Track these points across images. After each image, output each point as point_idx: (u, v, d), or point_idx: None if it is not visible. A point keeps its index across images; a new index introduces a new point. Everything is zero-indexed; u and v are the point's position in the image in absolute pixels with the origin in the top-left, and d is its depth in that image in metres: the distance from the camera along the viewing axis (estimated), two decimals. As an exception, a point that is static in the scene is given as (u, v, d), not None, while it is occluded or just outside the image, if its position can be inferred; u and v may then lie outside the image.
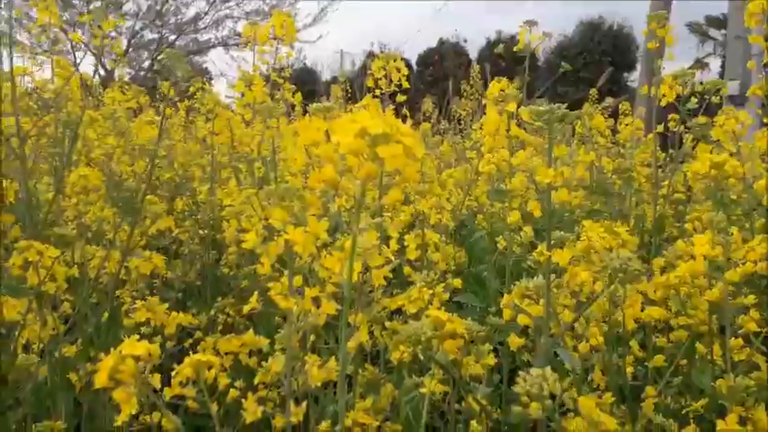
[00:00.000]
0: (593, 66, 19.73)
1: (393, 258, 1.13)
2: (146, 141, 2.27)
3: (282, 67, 2.47)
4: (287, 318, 0.79)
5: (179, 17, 16.78)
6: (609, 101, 6.60)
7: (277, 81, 2.35)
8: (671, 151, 2.04)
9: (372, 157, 0.51)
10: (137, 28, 16.55)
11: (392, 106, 1.53)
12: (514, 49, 2.86)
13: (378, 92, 1.50)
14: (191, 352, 2.04)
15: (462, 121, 6.27)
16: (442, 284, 1.09)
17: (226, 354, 1.89)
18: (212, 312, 2.20)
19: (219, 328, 2.17)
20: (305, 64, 21.73)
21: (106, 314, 1.68)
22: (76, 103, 2.24)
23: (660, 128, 1.82)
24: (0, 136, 1.59)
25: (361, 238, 0.99)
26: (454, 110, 6.31)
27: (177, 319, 1.77)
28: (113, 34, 1.94)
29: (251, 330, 1.21)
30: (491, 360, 0.86)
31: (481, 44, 23.32)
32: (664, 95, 1.92)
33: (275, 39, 2.36)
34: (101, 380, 0.60)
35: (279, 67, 2.39)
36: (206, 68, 18.67)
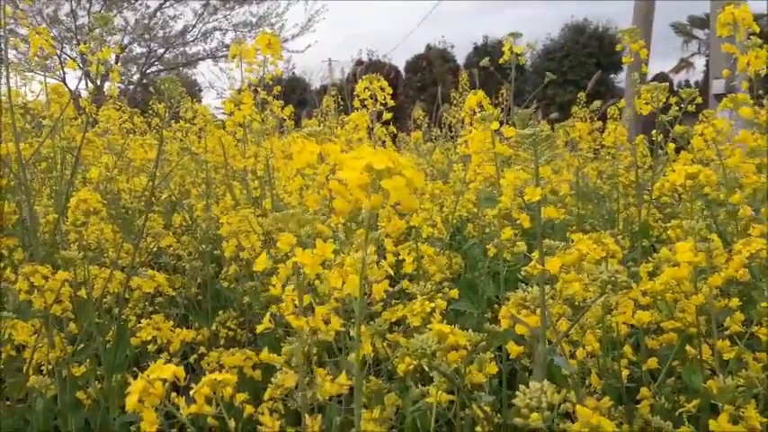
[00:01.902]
0: (579, 68, 19.93)
1: (392, 272, 1.17)
2: (142, 162, 2.31)
3: (271, 84, 2.52)
4: (297, 334, 0.83)
5: (167, 30, 16.82)
6: (597, 104, 6.69)
7: (266, 99, 2.40)
8: (659, 152, 2.10)
9: (376, 189, 0.55)
10: (125, 42, 16.55)
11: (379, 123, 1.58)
12: (500, 61, 2.93)
13: (364, 111, 1.55)
14: (194, 367, 2.07)
15: (453, 128, 6.34)
16: (439, 295, 1.14)
17: (230, 368, 1.93)
18: (214, 327, 2.24)
19: (222, 342, 2.21)
20: (294, 73, 21.80)
21: (111, 333, 1.71)
22: (75, 128, 2.28)
23: (640, 138, 1.88)
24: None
25: (360, 253, 1.04)
26: (444, 117, 6.37)
27: (182, 336, 1.81)
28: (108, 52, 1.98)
29: (266, 349, 1.23)
30: (493, 369, 0.90)
31: (468, 49, 23.48)
32: (646, 104, 1.99)
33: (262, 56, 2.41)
34: (132, 402, 0.63)
35: (269, 84, 2.44)
36: (195, 80, 18.69)
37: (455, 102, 5.93)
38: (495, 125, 1.22)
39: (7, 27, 2.06)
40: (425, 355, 0.76)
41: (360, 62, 18.91)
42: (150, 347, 1.60)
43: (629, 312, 1.14)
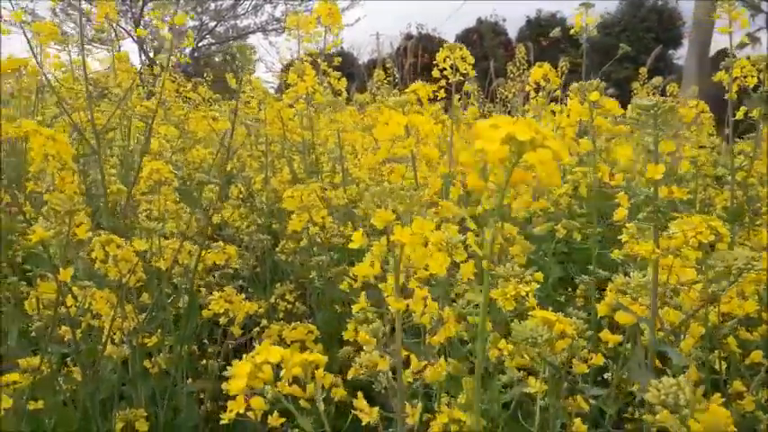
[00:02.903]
0: (637, 43, 19.16)
1: (480, 251, 1.11)
2: (204, 133, 2.30)
3: (331, 55, 2.47)
4: (394, 317, 0.78)
5: (218, 3, 16.90)
6: (658, 80, 6.40)
7: (326, 70, 2.35)
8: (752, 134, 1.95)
9: (516, 162, 0.49)
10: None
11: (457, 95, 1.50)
12: (570, 33, 2.79)
13: (443, 82, 1.48)
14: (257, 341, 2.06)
15: (507, 103, 6.17)
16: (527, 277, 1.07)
17: (292, 341, 1.91)
18: (273, 299, 2.23)
19: (281, 315, 2.20)
20: (342, 48, 21.68)
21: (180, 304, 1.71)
22: (137, 98, 2.28)
23: (740, 113, 1.75)
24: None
25: (447, 231, 0.98)
26: (499, 91, 6.20)
27: (245, 308, 1.80)
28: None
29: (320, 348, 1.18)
30: (600, 360, 0.84)
31: (521, 23, 22.85)
32: (736, 80, 1.84)
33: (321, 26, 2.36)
34: (237, 386, 0.60)
35: (329, 55, 2.39)
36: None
37: (511, 76, 5.76)
38: (596, 95, 1.14)
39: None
40: (537, 344, 0.70)
41: (409, 36, 18.60)
42: (222, 320, 1.59)
43: (734, 302, 1.06)
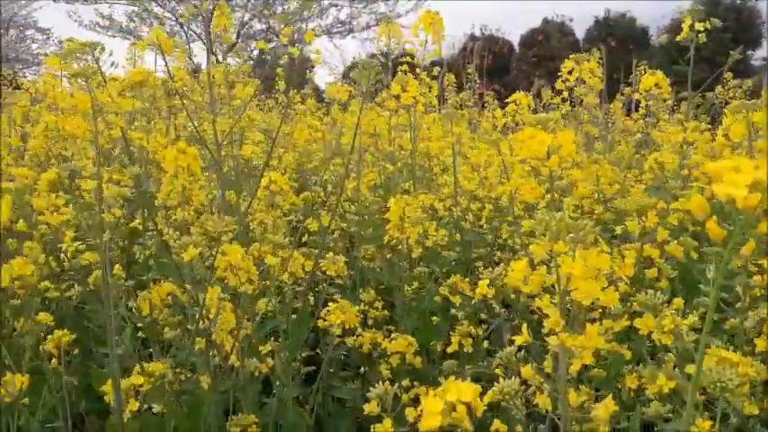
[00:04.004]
0: (713, 43, 18.36)
1: (625, 279, 1.08)
2: (305, 142, 2.34)
3: (429, 65, 2.46)
4: (558, 355, 0.76)
5: (285, 6, 17.24)
6: (748, 83, 6.09)
7: (424, 79, 2.35)
8: None
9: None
10: (245, 18, 17.18)
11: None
12: (677, 39, 2.69)
13: (566, 94, 1.45)
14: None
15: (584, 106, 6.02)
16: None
17: (393, 353, 1.91)
18: (363, 306, 2.24)
19: (370, 322, 2.21)
20: (404, 48, 21.70)
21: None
22: (252, 110, 2.33)
23: None
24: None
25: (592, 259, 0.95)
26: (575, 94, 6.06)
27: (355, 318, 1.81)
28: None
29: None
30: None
31: (588, 23, 22.26)
32: None
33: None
34: (430, 424, 0.60)
35: (427, 65, 2.38)
36: (308, 57, 19.10)
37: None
38: (759, 116, 1.08)
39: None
40: (726, 390, 0.67)
41: (473, 37, 18.47)
42: (335, 330, 1.61)
43: None
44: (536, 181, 1.09)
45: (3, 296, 1.45)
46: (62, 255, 1.64)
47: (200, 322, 1.24)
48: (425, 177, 2.13)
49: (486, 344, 1.74)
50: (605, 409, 0.74)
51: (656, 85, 2.31)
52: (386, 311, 2.24)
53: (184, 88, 1.76)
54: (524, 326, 0.79)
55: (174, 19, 16.54)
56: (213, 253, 1.16)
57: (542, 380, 0.78)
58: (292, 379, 1.68)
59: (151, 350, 1.71)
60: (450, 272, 1.81)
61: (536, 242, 0.79)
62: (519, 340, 0.78)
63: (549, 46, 19.89)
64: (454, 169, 1.70)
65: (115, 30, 16.88)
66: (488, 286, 1.30)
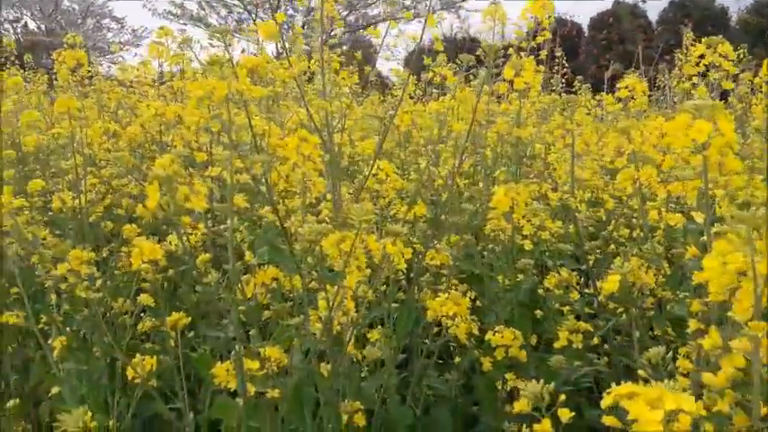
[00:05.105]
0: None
1: None
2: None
3: (531, 48, 2.38)
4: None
5: (356, -5, 17.31)
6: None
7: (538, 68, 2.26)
8: None
9: None
10: (312, 5, 17.32)
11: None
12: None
13: (696, 79, 1.35)
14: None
15: (665, 92, 5.75)
16: None
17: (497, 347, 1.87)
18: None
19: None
20: (468, 33, 21.40)
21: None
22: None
23: None
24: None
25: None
26: (660, 79, 5.79)
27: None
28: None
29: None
30: None
31: (662, 5, 21.27)
32: None
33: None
34: (647, 430, 0.56)
35: (535, 47, 2.31)
36: (370, 42, 19.10)
37: (681, 62, 5.34)
38: None
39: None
40: None
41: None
42: (447, 321, 1.58)
43: None
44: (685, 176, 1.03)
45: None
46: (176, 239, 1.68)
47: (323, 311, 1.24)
48: (524, 165, 2.06)
49: (596, 340, 1.68)
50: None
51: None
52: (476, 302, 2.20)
53: (291, 77, 1.75)
54: (712, 328, 0.73)
55: (242, 7, 16.87)
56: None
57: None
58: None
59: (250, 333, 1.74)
60: (562, 265, 1.74)
61: (725, 239, 0.74)
62: (707, 343, 0.73)
63: (619, 28, 19.15)
64: (572, 158, 1.63)
65: (186, 18, 17.35)
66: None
